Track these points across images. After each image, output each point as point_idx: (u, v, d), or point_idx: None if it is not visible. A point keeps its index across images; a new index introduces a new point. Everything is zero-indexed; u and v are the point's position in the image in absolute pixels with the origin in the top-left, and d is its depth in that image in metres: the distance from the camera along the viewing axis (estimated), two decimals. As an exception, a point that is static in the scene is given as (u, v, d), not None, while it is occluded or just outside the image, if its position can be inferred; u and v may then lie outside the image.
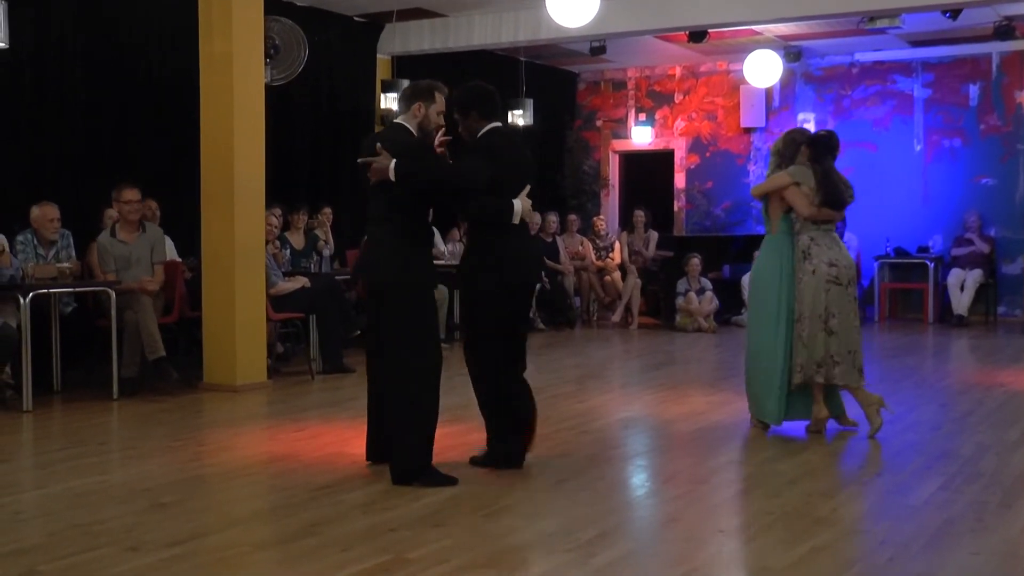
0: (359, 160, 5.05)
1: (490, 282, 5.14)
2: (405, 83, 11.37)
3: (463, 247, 5.76)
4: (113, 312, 7.35)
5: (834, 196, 6.21)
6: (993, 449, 5.77)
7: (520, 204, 5.11)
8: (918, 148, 13.48)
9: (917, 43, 12.96)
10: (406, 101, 5.18)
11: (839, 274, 6.12)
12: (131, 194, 7.85)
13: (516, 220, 5.11)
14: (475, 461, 5.36)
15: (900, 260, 13.20)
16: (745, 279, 11.20)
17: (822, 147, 6.34)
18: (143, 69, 9.39)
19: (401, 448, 4.99)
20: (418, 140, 5.12)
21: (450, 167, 5.17)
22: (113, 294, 7.38)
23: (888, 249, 13.17)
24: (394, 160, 4.90)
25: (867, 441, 6.00)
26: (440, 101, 5.16)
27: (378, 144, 5.00)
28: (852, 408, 6.29)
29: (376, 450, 5.31)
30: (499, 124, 5.31)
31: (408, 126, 5.12)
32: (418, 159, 4.99)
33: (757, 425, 6.32)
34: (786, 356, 6.15)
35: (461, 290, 5.44)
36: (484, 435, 5.37)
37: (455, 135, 5.32)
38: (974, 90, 13.21)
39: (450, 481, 4.95)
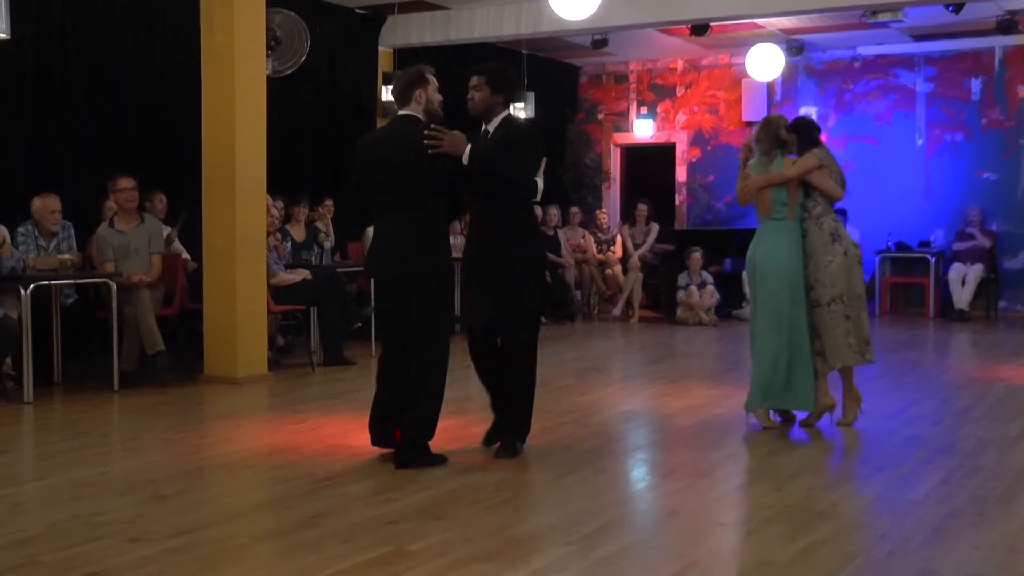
0: (428, 133, 4.99)
1: (531, 256, 5.31)
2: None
3: (465, 240, 5.77)
4: (114, 304, 7.36)
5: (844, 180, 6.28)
6: (994, 444, 5.77)
7: (541, 182, 5.28)
8: (920, 142, 13.46)
9: (919, 37, 12.94)
10: (404, 91, 5.20)
11: (858, 256, 6.21)
12: (125, 182, 7.84)
13: (539, 197, 5.31)
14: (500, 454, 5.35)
15: (901, 254, 13.18)
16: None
17: (816, 131, 6.33)
18: (145, 61, 9.38)
19: (416, 426, 5.09)
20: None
21: (510, 160, 5.14)
22: (114, 286, 7.38)
23: (889, 243, 13.15)
24: (470, 144, 5.01)
25: (866, 436, 6.00)
26: (432, 79, 5.23)
27: (432, 125, 5.06)
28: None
29: (387, 435, 5.27)
30: (509, 112, 5.39)
31: (417, 115, 5.16)
32: (485, 149, 5.14)
33: (770, 422, 6.11)
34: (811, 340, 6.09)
35: (501, 281, 5.28)
36: (481, 427, 5.36)
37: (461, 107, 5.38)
38: (976, 84, 13.18)
39: (441, 460, 5.15)
